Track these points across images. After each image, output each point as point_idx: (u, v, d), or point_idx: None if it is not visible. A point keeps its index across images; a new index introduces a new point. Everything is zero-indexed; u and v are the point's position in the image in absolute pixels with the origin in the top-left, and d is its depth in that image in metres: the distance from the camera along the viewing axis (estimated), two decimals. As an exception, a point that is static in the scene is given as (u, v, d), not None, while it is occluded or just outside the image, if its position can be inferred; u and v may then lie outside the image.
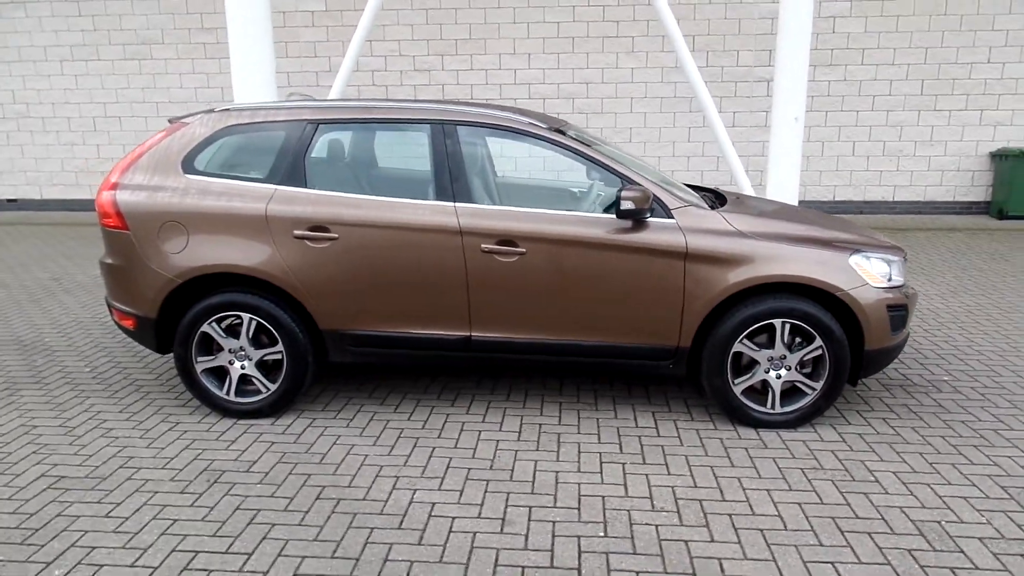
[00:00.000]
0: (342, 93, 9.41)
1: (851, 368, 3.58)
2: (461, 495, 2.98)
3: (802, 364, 3.52)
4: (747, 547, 2.61)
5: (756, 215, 3.63)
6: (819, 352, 3.48)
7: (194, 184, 3.61)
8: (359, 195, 3.55)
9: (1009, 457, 3.26)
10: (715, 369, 3.53)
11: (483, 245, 3.47)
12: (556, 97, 10.92)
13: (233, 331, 3.66)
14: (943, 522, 2.75)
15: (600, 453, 3.34)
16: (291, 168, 3.60)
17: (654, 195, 3.47)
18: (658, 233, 3.45)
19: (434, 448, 3.41)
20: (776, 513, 2.84)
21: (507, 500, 2.94)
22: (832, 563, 2.51)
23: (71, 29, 11.37)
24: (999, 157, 10.31)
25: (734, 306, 3.48)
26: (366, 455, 3.35)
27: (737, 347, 3.50)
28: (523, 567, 2.51)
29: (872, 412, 3.78)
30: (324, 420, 3.73)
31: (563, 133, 3.66)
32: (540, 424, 3.66)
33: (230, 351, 3.66)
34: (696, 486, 3.05)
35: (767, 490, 3.01)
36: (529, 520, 2.80)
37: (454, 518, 2.82)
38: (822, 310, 3.43)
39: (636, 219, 3.43)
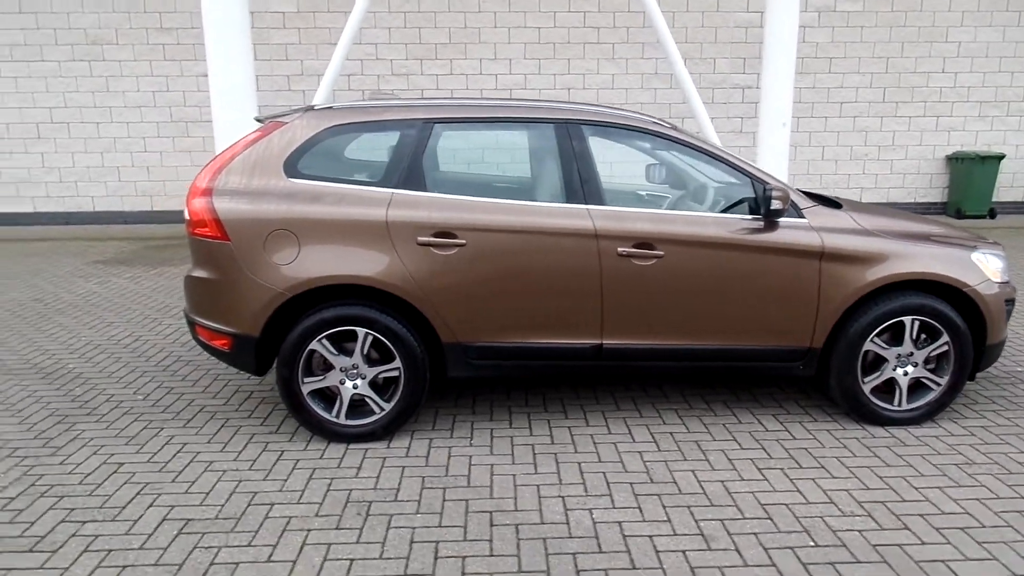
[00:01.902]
0: (328, 98, 9.05)
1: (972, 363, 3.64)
2: (641, 511, 2.83)
3: (927, 360, 3.56)
4: (949, 540, 2.59)
5: (876, 214, 3.65)
6: (945, 348, 3.52)
7: (301, 189, 3.30)
8: (486, 198, 3.34)
9: None
10: (846, 368, 3.51)
11: (620, 248, 3.33)
12: (538, 103, 10.84)
13: (342, 348, 3.36)
14: (1120, 509, 2.82)
15: (751, 459, 3.26)
16: (408, 170, 3.34)
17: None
18: (793, 233, 3.41)
19: (580, 463, 3.23)
20: (962, 510, 2.83)
21: (692, 514, 2.81)
22: (1049, 557, 2.52)
23: (10, 27, 10.43)
24: (954, 160, 10.96)
25: (865, 305, 3.48)
26: (512, 474, 3.13)
27: (867, 345, 3.50)
28: (756, 584, 2.38)
29: (977, 404, 3.86)
30: (442, 440, 3.48)
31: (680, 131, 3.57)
32: (671, 432, 3.54)
33: (341, 369, 3.36)
34: (866, 487, 3.00)
35: (939, 487, 3.00)
36: (729, 534, 2.67)
37: (651, 536, 2.66)
38: (949, 306, 3.48)
39: (777, 219, 3.38)
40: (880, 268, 3.41)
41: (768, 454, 3.32)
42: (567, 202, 3.37)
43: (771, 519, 2.77)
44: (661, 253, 3.34)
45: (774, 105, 9.01)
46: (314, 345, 3.31)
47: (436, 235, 3.28)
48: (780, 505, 2.87)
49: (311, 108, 3.45)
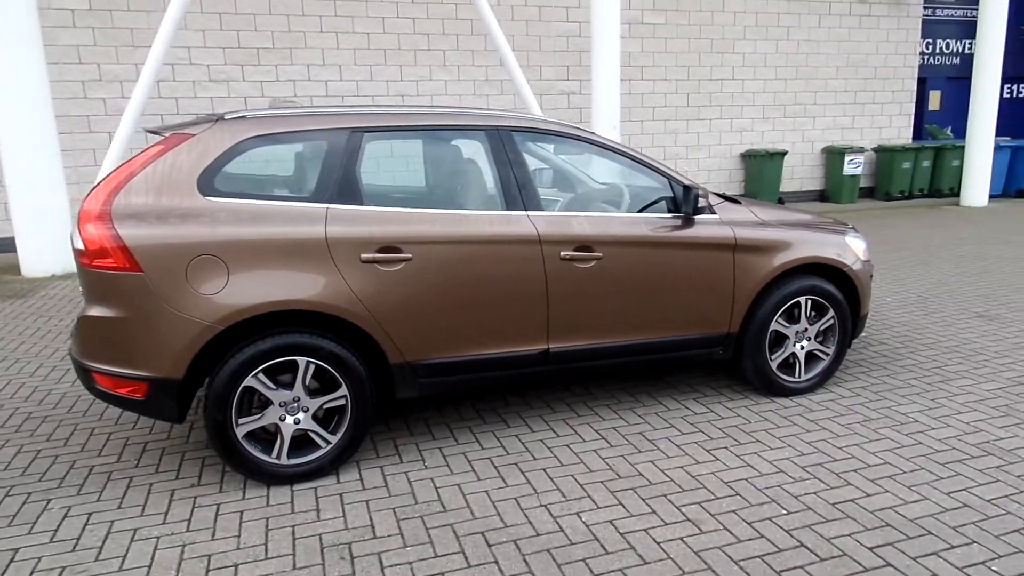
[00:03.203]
0: (143, 105, 8.15)
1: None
2: (624, 507, 2.89)
3: (817, 334, 4.01)
4: (887, 489, 2.95)
5: (765, 207, 4.04)
6: (831, 322, 4.00)
7: (223, 208, 2.94)
8: (428, 209, 3.21)
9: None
10: (757, 348, 3.86)
11: (562, 252, 3.37)
12: (372, 110, 10.57)
13: (277, 381, 3.05)
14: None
15: (696, 443, 3.46)
16: (341, 183, 3.11)
17: (701, 193, 3.69)
18: (709, 228, 3.67)
19: (544, 469, 3.22)
20: (883, 461, 3.23)
21: (671, 501, 2.92)
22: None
23: None
24: (748, 157, 12.42)
25: (768, 289, 3.84)
26: (484, 490, 3.05)
27: (773, 326, 3.87)
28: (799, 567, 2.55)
29: (849, 370, 4.42)
30: (392, 466, 3.29)
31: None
32: (614, 427, 3.65)
33: (280, 404, 3.05)
34: (802, 453, 3.33)
35: (856, 444, 3.40)
36: (711, 515, 2.82)
37: (645, 529, 2.73)
38: (832, 285, 3.95)
39: (697, 215, 3.62)
40: (782, 255, 3.79)
41: (708, 436, 3.54)
42: (507, 209, 3.35)
43: (740, 495, 2.97)
44: (600, 255, 3.44)
45: (604, 111, 9.63)
46: (249, 381, 2.97)
47: (380, 251, 3.09)
48: (741, 481, 3.09)
49: (220, 118, 3.08)
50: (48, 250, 7.86)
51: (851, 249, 4.02)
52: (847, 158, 12.43)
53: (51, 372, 4.64)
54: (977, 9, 14.96)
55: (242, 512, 2.92)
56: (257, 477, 3.09)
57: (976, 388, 4.06)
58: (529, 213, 3.36)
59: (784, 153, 12.24)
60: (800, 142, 12.91)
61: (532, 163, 3.79)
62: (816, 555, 2.55)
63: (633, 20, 11.52)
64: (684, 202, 3.59)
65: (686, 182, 3.65)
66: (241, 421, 3.00)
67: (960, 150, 12.78)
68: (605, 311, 3.50)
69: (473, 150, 3.46)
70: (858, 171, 12.56)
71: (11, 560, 2.61)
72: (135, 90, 8.14)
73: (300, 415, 3.09)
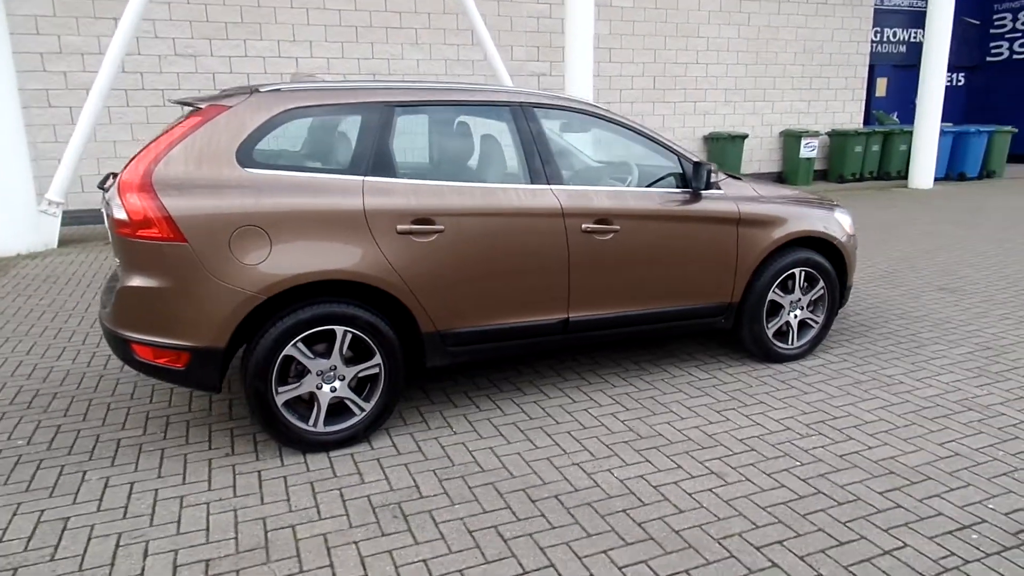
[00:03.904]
0: (112, 81, 7.93)
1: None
2: (652, 463, 3.08)
3: (808, 304, 4.27)
4: (886, 443, 3.23)
5: (762, 184, 4.26)
6: (821, 292, 4.26)
7: (264, 179, 2.98)
8: (460, 182, 3.31)
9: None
10: (755, 317, 4.10)
11: (583, 225, 3.52)
12: (343, 88, 10.47)
13: (314, 350, 3.12)
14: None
15: (706, 405, 3.68)
16: (376, 156, 3.18)
17: (709, 169, 3.89)
18: (716, 202, 3.87)
19: (569, 432, 3.38)
20: (877, 418, 3.51)
21: (694, 457, 3.13)
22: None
23: None
24: (711, 140, 12.76)
25: (766, 261, 4.07)
26: (516, 452, 3.19)
27: (770, 296, 4.11)
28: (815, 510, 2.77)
29: (832, 338, 4.71)
30: (422, 432, 3.40)
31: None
32: (626, 392, 3.84)
33: (318, 373, 3.12)
34: (804, 412, 3.58)
35: (851, 404, 3.67)
36: (733, 468, 3.04)
37: (676, 482, 2.92)
38: (823, 257, 4.21)
39: (707, 190, 3.81)
40: (780, 229, 4.02)
41: (715, 399, 3.77)
42: (532, 183, 3.47)
43: (755, 450, 3.20)
44: (617, 228, 3.60)
45: (577, 92, 9.77)
46: (289, 350, 3.04)
47: (415, 222, 3.18)
48: (753, 438, 3.32)
49: (255, 90, 3.11)
50: (12, 230, 7.60)
51: (839, 224, 4.28)
52: (803, 141, 12.90)
53: (47, 351, 4.57)
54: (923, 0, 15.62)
55: (285, 478, 3.00)
56: (294, 444, 3.16)
57: (949, 352, 4.40)
58: (552, 187, 3.50)
59: (745, 136, 12.63)
60: (759, 125, 13.33)
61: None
62: (834, 500, 2.79)
63: (602, 3, 11.66)
64: (695, 177, 3.77)
65: (695, 159, 3.84)
66: (281, 390, 3.07)
67: (907, 135, 13.41)
68: (620, 282, 3.67)
69: (499, 125, 3.56)
70: (813, 154, 13.05)
71: (64, 528, 2.64)
72: (103, 63, 7.90)
73: (336, 383, 3.17)
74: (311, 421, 3.16)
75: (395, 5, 10.53)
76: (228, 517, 2.71)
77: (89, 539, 2.57)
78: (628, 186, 3.88)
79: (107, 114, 9.27)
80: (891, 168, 13.64)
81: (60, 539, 2.57)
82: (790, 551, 2.47)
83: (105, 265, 7.01)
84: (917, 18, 15.65)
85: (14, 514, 2.73)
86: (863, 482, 2.91)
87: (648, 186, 3.85)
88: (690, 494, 2.84)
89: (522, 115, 3.51)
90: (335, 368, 3.15)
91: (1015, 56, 16.69)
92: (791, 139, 13.10)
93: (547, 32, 11.48)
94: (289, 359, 3.07)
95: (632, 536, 2.57)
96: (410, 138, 3.38)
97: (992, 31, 17.16)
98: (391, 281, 3.15)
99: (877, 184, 13.36)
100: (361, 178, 3.14)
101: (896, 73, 16.21)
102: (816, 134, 13.03)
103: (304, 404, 3.18)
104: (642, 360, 4.32)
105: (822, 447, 3.22)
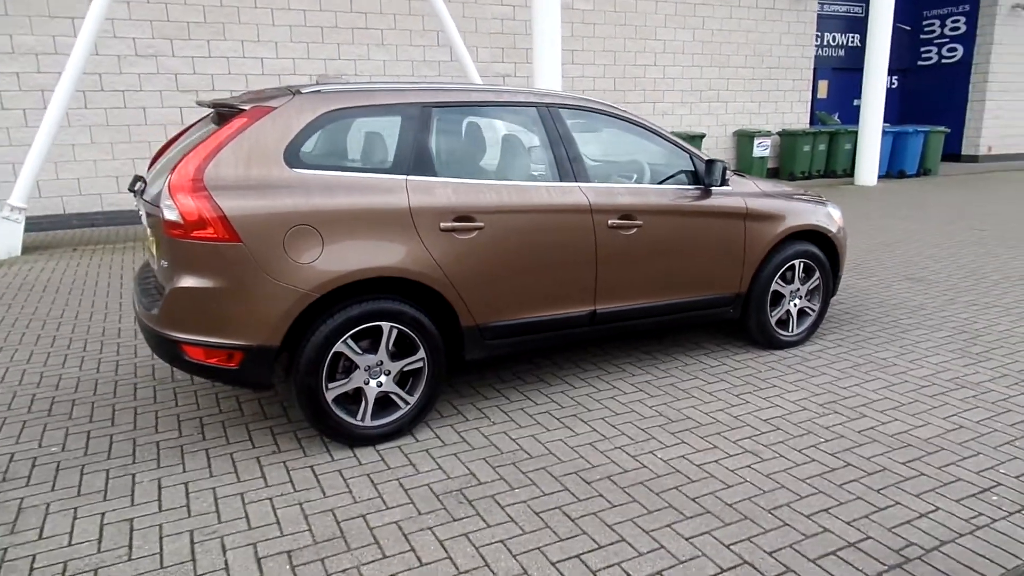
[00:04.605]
0: (76, 83, 7.70)
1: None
2: (690, 445, 3.25)
3: (806, 293, 4.54)
4: (895, 418, 3.49)
5: (762, 181, 4.50)
6: (818, 282, 4.54)
7: (312, 179, 3.02)
8: (496, 180, 3.41)
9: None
10: (760, 306, 4.33)
11: (610, 221, 3.67)
12: (311, 89, 10.37)
13: (360, 346, 3.18)
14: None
15: (724, 389, 3.88)
16: (418, 155, 3.26)
17: (720, 166, 4.09)
18: (726, 198, 4.08)
19: (603, 419, 3.53)
20: (883, 397, 3.78)
21: (727, 438, 3.32)
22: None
23: None
24: (669, 140, 13.14)
25: (770, 254, 4.31)
26: (559, 439, 3.32)
27: (774, 286, 4.35)
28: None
29: (823, 325, 5.00)
30: (461, 424, 3.49)
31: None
32: (647, 381, 4.01)
33: (365, 368, 3.18)
34: (815, 394, 3.82)
35: (856, 384, 3.93)
36: (765, 446, 3.24)
37: (716, 460, 3.10)
38: (819, 249, 4.49)
39: (718, 187, 4.02)
40: (782, 223, 4.26)
41: (730, 384, 3.98)
42: (561, 180, 3.60)
43: (780, 429, 3.41)
44: (640, 223, 3.77)
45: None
46: (339, 347, 3.09)
47: (457, 219, 3.27)
48: (777, 418, 3.53)
49: (297, 91, 3.14)
50: (-24, 235, 7.30)
51: (833, 218, 4.57)
52: (756, 141, 13.43)
53: (47, 359, 4.46)
54: (861, 6, 16.46)
55: (340, 471, 3.05)
56: (342, 439, 3.21)
57: (931, 336, 4.74)
58: (580, 184, 3.64)
59: (703, 136, 13.06)
60: (715, 125, 13.80)
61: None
62: (863, 471, 3.01)
63: (564, 4, 11.87)
64: (708, 174, 3.97)
65: (707, 157, 4.04)
66: (331, 386, 3.12)
67: (851, 135, 14.10)
68: (643, 275, 3.84)
69: (527, 125, 3.68)
70: (766, 153, 13.60)
71: (131, 529, 2.64)
72: (68, 64, 7.66)
73: (382, 378, 3.23)
74: (359, 416, 3.21)
75: (360, 6, 10.50)
76: (295, 511, 2.75)
77: (161, 538, 2.57)
78: (641, 183, 4.05)
79: (65, 116, 8.94)
80: (837, 166, 14.32)
81: (131, 539, 2.57)
82: (837, 517, 2.67)
83: (80, 272, 6.80)
84: (854, 23, 16.48)
85: (74, 518, 2.71)
86: (885, 454, 3.16)
87: (660, 183, 4.03)
88: (732, 471, 3.03)
89: (548, 115, 3.65)
90: (381, 363, 3.21)
91: (944, 60, 17.72)
92: (744, 139, 13.61)
93: (511, 34, 11.63)
94: (337, 356, 3.12)
95: (690, 511, 2.73)
96: (446, 138, 3.46)
97: (922, 36, 18.18)
98: (435, 277, 3.23)
99: (825, 181, 14.00)
100: (404, 177, 3.21)
101: (835, 76, 17.00)
102: (768, 134, 13.58)
103: (349, 399, 3.23)
104: (652, 350, 4.51)
105: (840, 424, 3.46)
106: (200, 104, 3.55)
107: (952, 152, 17.16)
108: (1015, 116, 17.46)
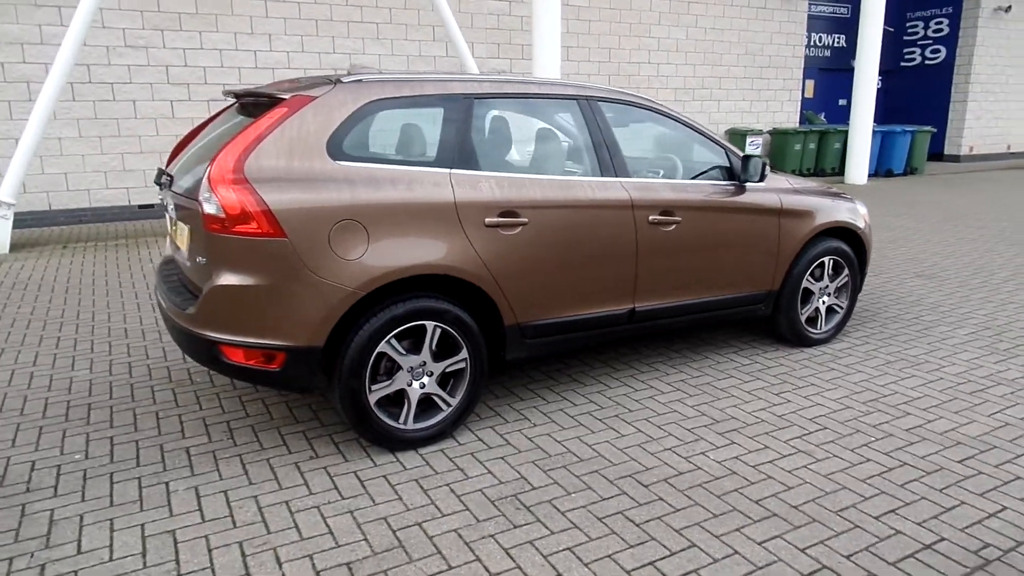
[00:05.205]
0: (67, 74, 7.44)
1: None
2: (741, 445, 3.18)
3: (834, 290, 4.50)
4: (939, 416, 3.46)
5: (792, 177, 4.45)
6: (846, 279, 4.50)
7: (356, 172, 2.89)
8: (539, 175, 3.31)
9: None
10: (791, 303, 4.28)
11: (650, 217, 3.59)
12: (305, 83, 10.17)
13: (403, 347, 3.06)
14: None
15: (763, 388, 3.82)
16: (461, 148, 3.14)
17: (756, 163, 4.03)
18: (761, 194, 4.02)
19: (647, 419, 3.44)
20: (922, 394, 3.74)
21: (776, 438, 3.25)
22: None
23: None
24: (662, 137, 13.13)
25: (803, 250, 4.26)
26: (606, 440, 3.22)
27: (804, 283, 4.30)
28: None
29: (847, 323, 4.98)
30: (502, 426, 3.38)
31: (659, 110, 3.93)
32: (683, 379, 3.93)
33: (408, 370, 3.06)
34: (854, 392, 3.77)
35: (892, 382, 3.90)
36: (815, 446, 3.18)
37: (771, 461, 3.03)
38: (848, 246, 4.45)
39: (757, 183, 3.95)
40: (814, 220, 4.22)
41: (767, 382, 3.92)
42: (602, 175, 3.51)
43: (828, 428, 3.36)
44: (679, 219, 3.69)
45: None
46: (383, 347, 2.96)
47: (502, 215, 3.16)
48: (822, 417, 3.47)
49: (338, 80, 3.01)
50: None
51: (860, 214, 4.53)
52: (749, 139, 13.47)
53: (55, 361, 4.26)
54: (847, 7, 16.61)
55: (385, 477, 2.92)
56: (384, 443, 3.09)
57: (955, 333, 4.74)
58: (620, 179, 3.55)
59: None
60: (708, 124, 13.80)
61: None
62: (921, 470, 2.97)
63: (562, 1, 11.78)
64: (744, 170, 3.91)
65: (741, 153, 3.98)
66: (374, 388, 2.99)
67: (840, 134, 14.21)
68: (680, 272, 3.76)
69: (568, 118, 3.58)
70: (759, 151, 13.64)
71: (175, 541, 2.49)
72: (59, 54, 7.39)
73: (425, 379, 3.11)
74: (401, 419, 3.09)
75: (356, -1, 10.31)
76: (347, 519, 2.62)
77: (210, 550, 2.43)
78: (676, 178, 3.97)
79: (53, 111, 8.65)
80: (826, 165, 14.42)
81: (177, 552, 2.42)
82: (906, 519, 2.62)
83: (74, 269, 6.57)
84: (840, 24, 16.62)
85: (112, 530, 2.55)
86: (939, 453, 3.11)
87: (694, 178, 3.96)
88: (790, 472, 2.96)
89: (589, 108, 3.55)
90: (424, 364, 3.10)
91: (927, 61, 17.96)
92: (737, 137, 13.64)
93: (507, 29, 11.52)
94: (379, 357, 3.00)
95: (756, 514, 2.65)
96: (488, 130, 3.35)
97: (905, 38, 18.40)
98: (480, 274, 3.12)
99: (815, 180, 14.08)
100: (448, 171, 3.10)
101: (822, 76, 17.13)
102: (760, 132, 13.63)
103: (390, 402, 3.11)
104: (682, 348, 4.44)
105: (887, 423, 3.41)
106: (226, 94, 3.40)
107: (935, 152, 17.40)
108: (996, 117, 17.76)
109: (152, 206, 9.52)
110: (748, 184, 4.01)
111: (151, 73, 9.24)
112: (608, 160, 3.54)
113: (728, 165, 4.00)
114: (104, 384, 3.90)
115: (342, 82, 3.01)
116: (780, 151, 14.05)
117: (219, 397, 3.71)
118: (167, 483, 2.88)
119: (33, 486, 2.87)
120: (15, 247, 7.60)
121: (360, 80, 3.04)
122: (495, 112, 3.40)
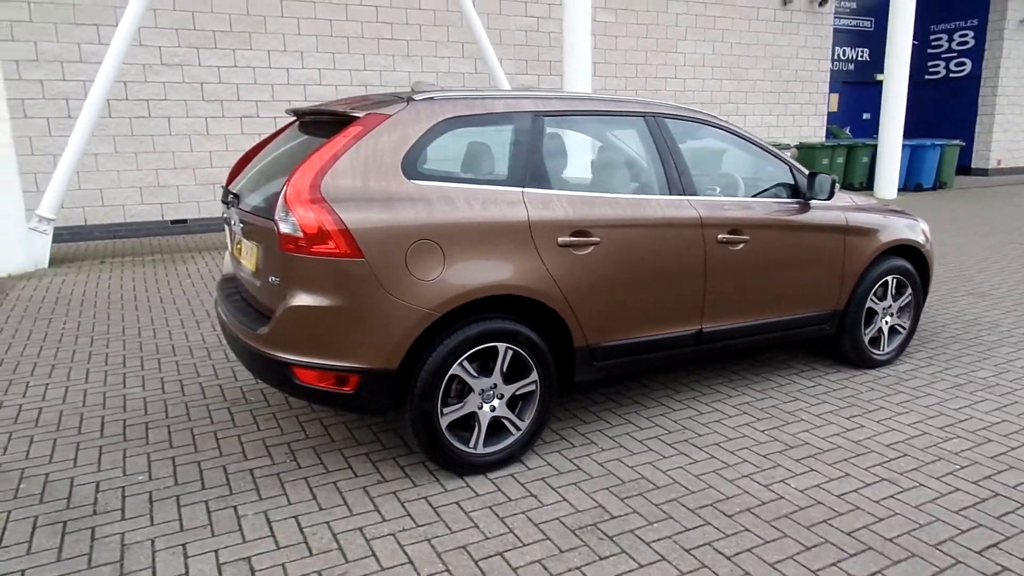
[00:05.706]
0: (108, 91, 7.49)
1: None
2: (819, 472, 3.07)
3: (898, 310, 4.39)
4: (1017, 440, 3.33)
5: (855, 194, 4.35)
6: (909, 299, 4.39)
7: (430, 191, 2.83)
8: (611, 194, 3.24)
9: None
10: (855, 324, 4.17)
11: (719, 236, 3.51)
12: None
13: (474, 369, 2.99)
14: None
15: (830, 411, 3.71)
16: (532, 167, 3.08)
17: (821, 181, 3.94)
18: (826, 212, 3.93)
19: (717, 443, 3.34)
20: (996, 420, 3.62)
21: (854, 464, 3.14)
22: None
23: None
24: (690, 153, 13.06)
25: (868, 269, 4.15)
26: (678, 466, 3.13)
27: (868, 303, 4.20)
28: None
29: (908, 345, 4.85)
30: (568, 450, 3.29)
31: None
32: (747, 402, 3.83)
33: (480, 392, 2.99)
34: (927, 417, 3.65)
35: (965, 406, 3.77)
36: (897, 473, 3.06)
37: (855, 491, 2.92)
38: (911, 265, 4.34)
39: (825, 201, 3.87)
40: (879, 238, 4.12)
41: (834, 406, 3.80)
42: (670, 193, 3.44)
43: (909, 456, 3.24)
44: (747, 238, 3.60)
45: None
46: (455, 369, 2.89)
47: (574, 234, 3.09)
48: (900, 443, 3.36)
49: (409, 98, 2.96)
50: (1, 249, 7.03)
51: (923, 232, 4.43)
52: (776, 154, 13.35)
53: (105, 378, 4.23)
54: (870, 20, 16.52)
55: (458, 503, 2.84)
56: (454, 468, 3.01)
57: (1021, 354, 4.60)
58: (689, 198, 3.47)
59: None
60: (734, 139, 13.71)
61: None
62: (1016, 501, 2.84)
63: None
64: (810, 188, 3.82)
65: (806, 170, 3.90)
66: (445, 411, 2.92)
67: (868, 148, 14.08)
68: (748, 292, 3.67)
69: (635, 135, 3.52)
70: (786, 167, 13.52)
71: (251, 570, 2.42)
72: (100, 71, 7.45)
73: (495, 402, 3.04)
74: (471, 443, 3.01)
75: (386, 16, 10.36)
76: (424, 548, 2.54)
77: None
78: (738, 195, 3.89)
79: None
80: (854, 179, 14.28)
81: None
82: (1011, 554, 2.50)
83: (114, 285, 6.56)
84: (864, 37, 16.54)
85: (185, 556, 2.49)
86: (1030, 482, 2.99)
87: (757, 195, 3.87)
88: (877, 502, 2.85)
89: (656, 125, 3.49)
90: (495, 386, 3.02)
91: (952, 74, 17.81)
92: (764, 152, 13.52)
93: (535, 45, 11.53)
94: (450, 379, 2.92)
95: (850, 547, 2.55)
96: (557, 148, 3.29)
97: (929, 51, 18.27)
98: (552, 295, 3.04)
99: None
100: (520, 189, 3.04)
101: (846, 89, 17.04)
102: (788, 147, 13.52)
103: (458, 425, 3.03)
104: (741, 370, 4.33)
105: (969, 450, 3.29)
106: (290, 112, 3.36)
107: (962, 165, 17.20)
108: (1023, 129, 17.56)
109: (185, 221, 9.56)
110: (813, 201, 3.92)
111: (186, 90, 9.30)
112: (676, 177, 3.47)
113: (793, 182, 3.92)
114: (158, 402, 3.86)
115: (415, 100, 2.96)
116: (807, 165, 13.91)
117: (276, 417, 3.65)
118: (235, 507, 2.81)
119: (100, 508, 2.81)
120: (54, 262, 7.62)
121: (432, 98, 3.00)
122: (564, 129, 3.34)
